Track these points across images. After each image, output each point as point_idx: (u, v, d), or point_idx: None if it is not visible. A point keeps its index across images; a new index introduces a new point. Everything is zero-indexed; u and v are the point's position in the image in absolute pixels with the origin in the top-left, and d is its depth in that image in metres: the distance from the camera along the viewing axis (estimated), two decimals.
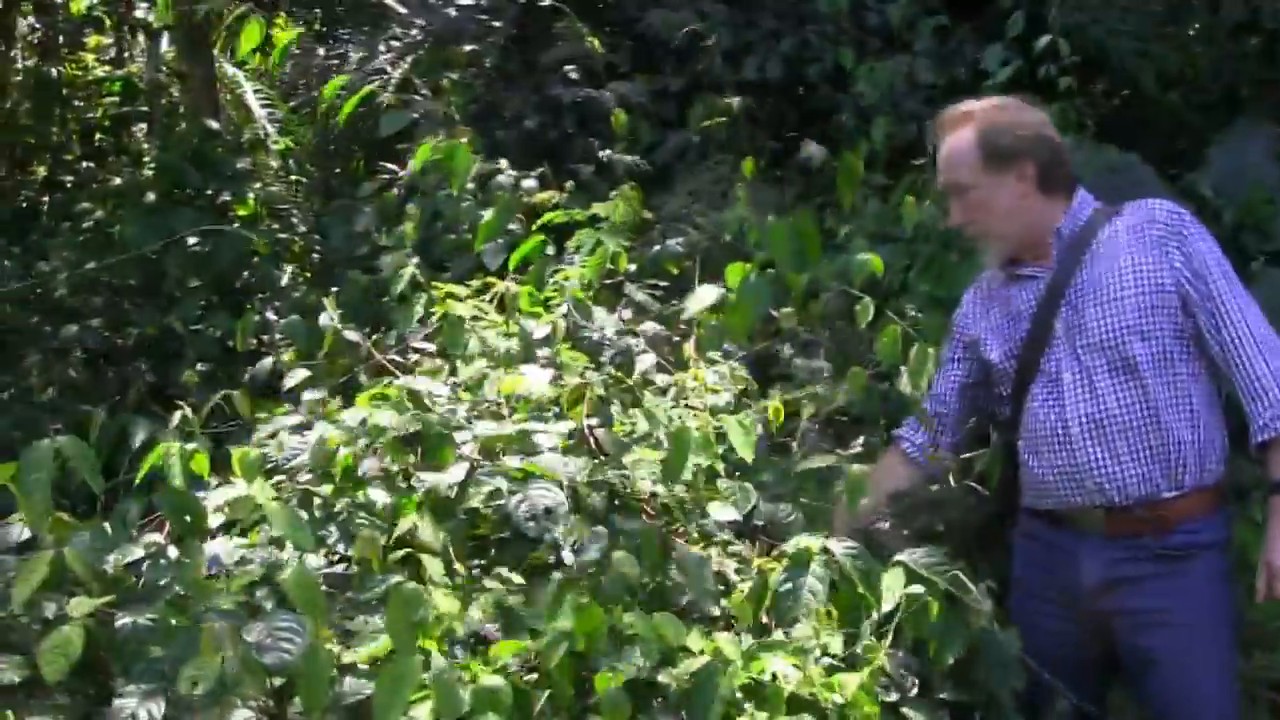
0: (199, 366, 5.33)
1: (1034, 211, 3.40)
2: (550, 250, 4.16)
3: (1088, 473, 3.27)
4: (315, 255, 6.47)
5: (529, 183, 4.85)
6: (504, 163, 5.02)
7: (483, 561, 2.74)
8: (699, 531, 2.92)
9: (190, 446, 2.72)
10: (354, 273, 4.83)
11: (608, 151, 5.87)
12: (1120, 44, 6.78)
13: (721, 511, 2.93)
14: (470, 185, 4.97)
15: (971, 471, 3.66)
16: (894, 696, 2.74)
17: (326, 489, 2.82)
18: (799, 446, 3.61)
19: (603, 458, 2.99)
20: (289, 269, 6.29)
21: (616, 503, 2.87)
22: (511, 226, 4.60)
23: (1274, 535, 3.19)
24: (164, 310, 6.02)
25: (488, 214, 4.24)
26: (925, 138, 5.56)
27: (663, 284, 4.34)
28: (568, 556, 2.62)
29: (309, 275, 6.38)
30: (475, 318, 3.63)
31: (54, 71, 8.10)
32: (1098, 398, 3.26)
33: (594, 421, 3.15)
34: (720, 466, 3.01)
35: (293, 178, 8.45)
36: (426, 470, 2.84)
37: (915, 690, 2.78)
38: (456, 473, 2.80)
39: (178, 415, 3.08)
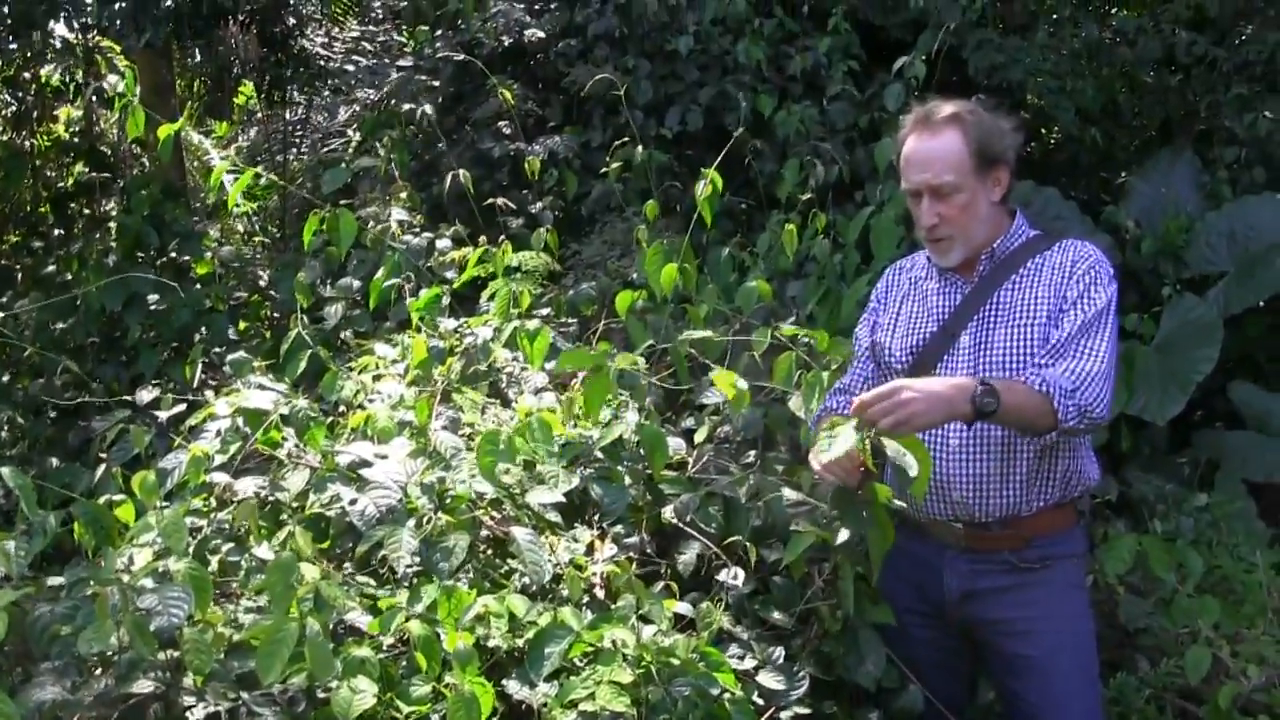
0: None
1: (997, 221, 3.40)
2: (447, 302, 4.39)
3: (955, 488, 3.32)
4: (271, 310, 6.76)
5: (443, 243, 5.12)
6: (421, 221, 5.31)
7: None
8: (530, 518, 3.13)
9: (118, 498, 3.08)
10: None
11: (539, 205, 6.17)
12: (1040, 83, 7.01)
13: (543, 495, 3.15)
14: (410, 239, 5.29)
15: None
16: (750, 664, 3.00)
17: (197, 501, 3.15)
18: (694, 464, 3.74)
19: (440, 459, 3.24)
20: (244, 324, 6.62)
21: (448, 501, 3.09)
22: (450, 275, 4.91)
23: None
24: (126, 366, 6.34)
25: (379, 273, 4.50)
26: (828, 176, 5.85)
27: (572, 322, 4.62)
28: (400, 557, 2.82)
29: (269, 327, 6.70)
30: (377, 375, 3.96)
31: (27, 143, 8.39)
32: None
33: (440, 424, 3.43)
34: (543, 456, 3.23)
35: (256, 239, 8.78)
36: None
37: (780, 658, 3.06)
38: (298, 480, 3.08)
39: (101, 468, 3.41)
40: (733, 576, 3.23)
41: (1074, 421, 3.13)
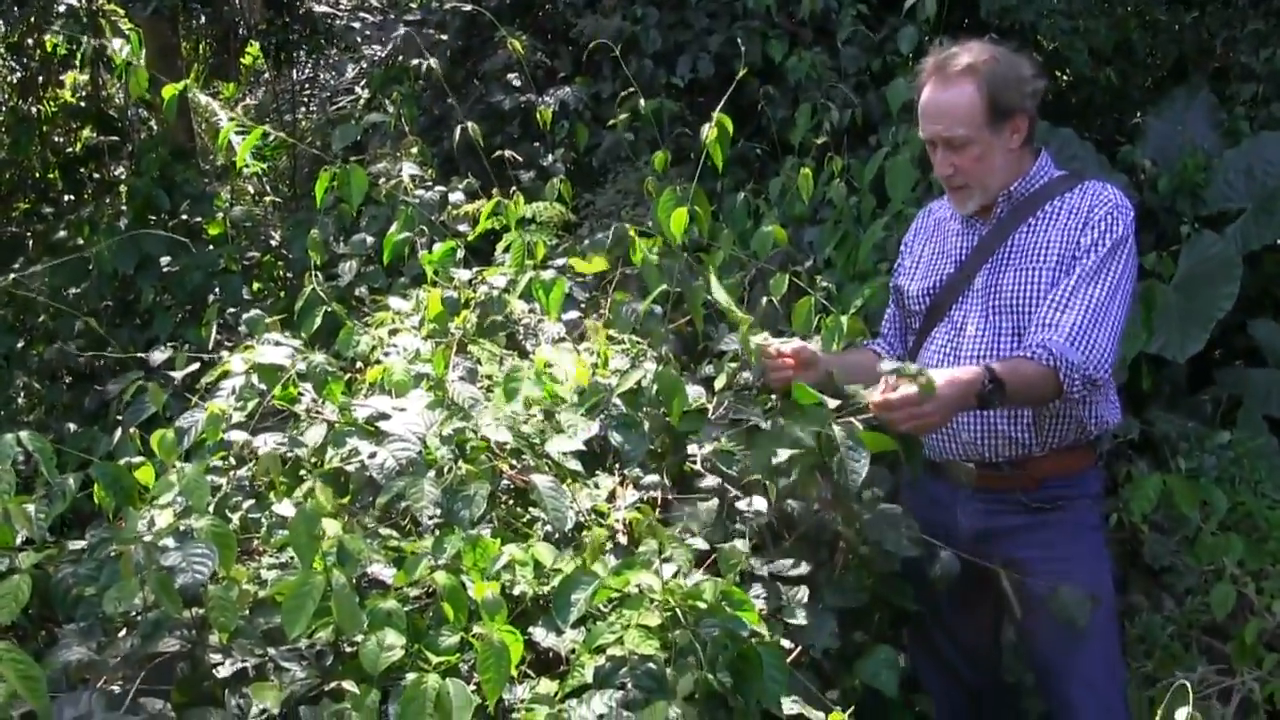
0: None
1: (1016, 165, 3.38)
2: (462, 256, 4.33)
3: (965, 428, 3.34)
4: (284, 269, 6.74)
5: (456, 196, 5.09)
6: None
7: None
8: (551, 466, 3.09)
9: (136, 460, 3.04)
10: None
11: (550, 157, 6.13)
12: (1053, 24, 6.94)
13: (563, 443, 3.11)
14: (422, 194, 5.24)
15: None
16: (776, 604, 2.97)
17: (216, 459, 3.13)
18: (713, 410, 3.68)
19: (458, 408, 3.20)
20: (257, 285, 6.60)
21: (467, 451, 3.06)
22: (462, 228, 4.87)
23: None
24: (140, 329, 6.33)
25: (393, 229, 4.43)
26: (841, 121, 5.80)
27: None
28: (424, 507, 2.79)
29: (282, 287, 6.68)
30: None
31: (33, 109, 8.36)
32: (994, 358, 3.24)
33: (456, 375, 3.40)
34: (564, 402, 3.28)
35: (267, 198, 8.75)
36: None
37: (803, 597, 3.01)
38: (316, 434, 3.06)
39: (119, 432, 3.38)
40: (749, 504, 3.20)
41: (1079, 393, 3.15)
